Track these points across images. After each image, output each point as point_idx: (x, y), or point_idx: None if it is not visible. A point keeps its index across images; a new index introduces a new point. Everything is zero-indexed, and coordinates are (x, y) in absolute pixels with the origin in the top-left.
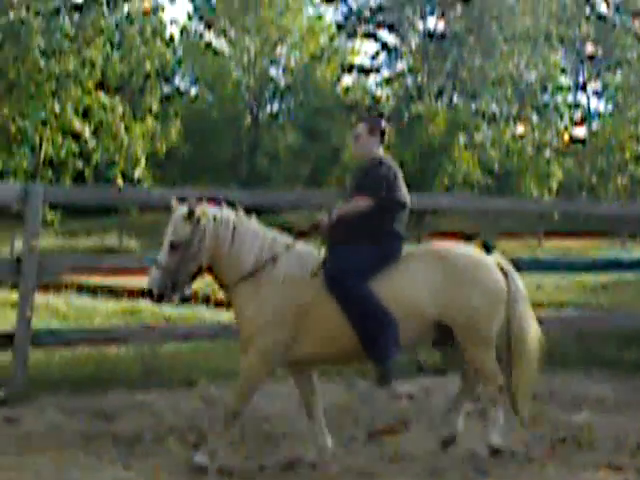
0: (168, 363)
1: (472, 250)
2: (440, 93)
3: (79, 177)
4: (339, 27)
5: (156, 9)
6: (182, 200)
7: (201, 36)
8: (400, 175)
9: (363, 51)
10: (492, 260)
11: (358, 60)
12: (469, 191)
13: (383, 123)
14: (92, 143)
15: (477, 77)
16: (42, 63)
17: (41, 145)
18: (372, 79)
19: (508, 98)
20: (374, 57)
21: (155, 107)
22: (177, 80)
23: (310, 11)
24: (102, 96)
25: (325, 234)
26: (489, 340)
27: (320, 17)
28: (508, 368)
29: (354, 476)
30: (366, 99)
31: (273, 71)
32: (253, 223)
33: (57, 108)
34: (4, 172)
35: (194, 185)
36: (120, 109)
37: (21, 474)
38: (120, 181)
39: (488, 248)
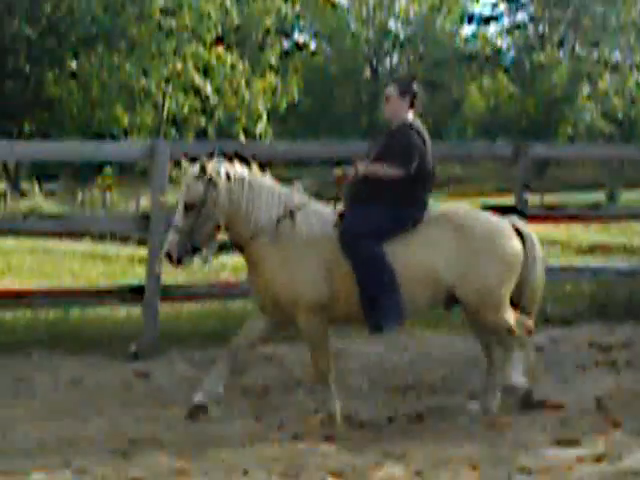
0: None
1: (489, 215)
2: (561, 42)
3: (202, 133)
4: None
5: None
6: (193, 160)
7: None
8: (429, 142)
9: (483, 1)
10: (508, 225)
11: (478, 10)
12: (592, 140)
13: (415, 86)
14: (214, 99)
15: (599, 25)
16: (162, 21)
17: (164, 102)
18: (492, 29)
19: (631, 45)
20: (494, 6)
21: (274, 62)
22: (296, 35)
23: None
24: (221, 52)
25: (348, 189)
26: (502, 303)
27: None
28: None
29: (490, 426)
30: (486, 49)
31: (392, 23)
32: (267, 179)
33: (178, 65)
34: (128, 129)
35: (315, 138)
36: (240, 65)
37: (154, 427)
38: (242, 136)
39: (522, 213)
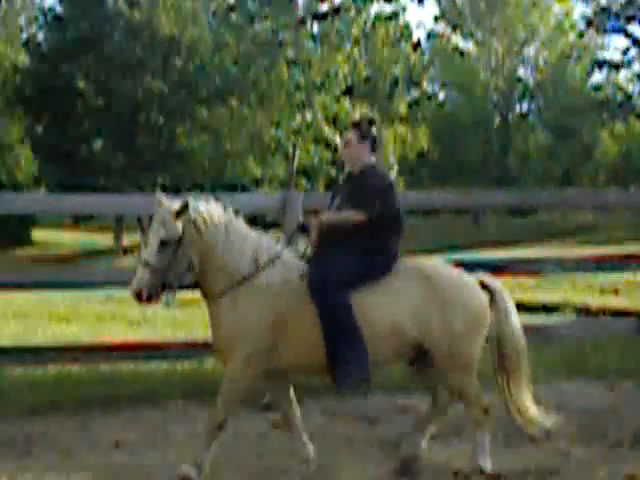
0: None
1: (456, 270)
2: None
3: (332, 184)
4: (588, 23)
5: (399, 12)
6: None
7: (448, 39)
8: (394, 185)
9: (613, 46)
10: (475, 281)
11: (608, 56)
12: None
13: (374, 129)
14: None
15: None
16: (290, 73)
17: (294, 153)
18: (623, 75)
19: None
20: (625, 52)
21: (403, 112)
22: (424, 84)
23: (557, 8)
24: (347, 103)
25: (313, 238)
26: (471, 365)
27: (568, 14)
28: (504, 386)
29: None
30: (618, 95)
31: (521, 71)
32: (241, 223)
33: (308, 117)
34: (260, 180)
35: (444, 187)
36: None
37: (288, 477)
38: None
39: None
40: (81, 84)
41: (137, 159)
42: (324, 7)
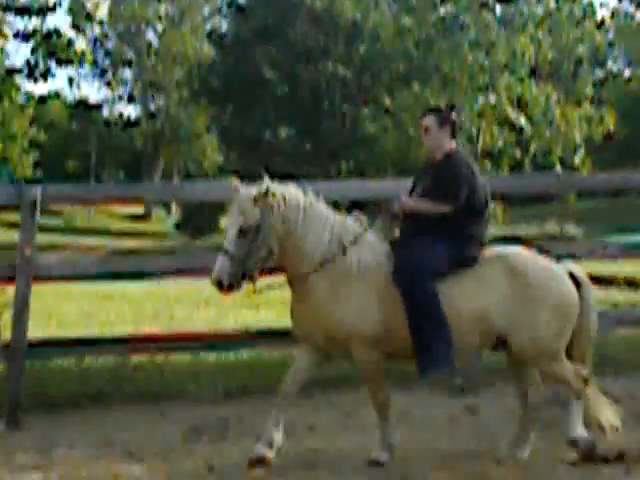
0: (621, 348)
1: (544, 261)
2: None
3: (517, 166)
4: None
5: None
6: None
7: (632, 17)
8: (477, 171)
9: None
10: (564, 272)
11: None
12: None
13: (454, 115)
14: (528, 131)
15: None
16: (473, 56)
17: (478, 136)
18: None
19: None
20: None
21: (589, 91)
22: (609, 63)
23: None
24: (533, 84)
25: (396, 222)
26: (558, 354)
27: None
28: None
29: None
30: None
31: None
32: (322, 206)
33: (492, 99)
34: None
35: (633, 168)
36: (554, 96)
37: (483, 463)
38: (558, 167)
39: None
40: (267, 73)
41: (321, 145)
42: None
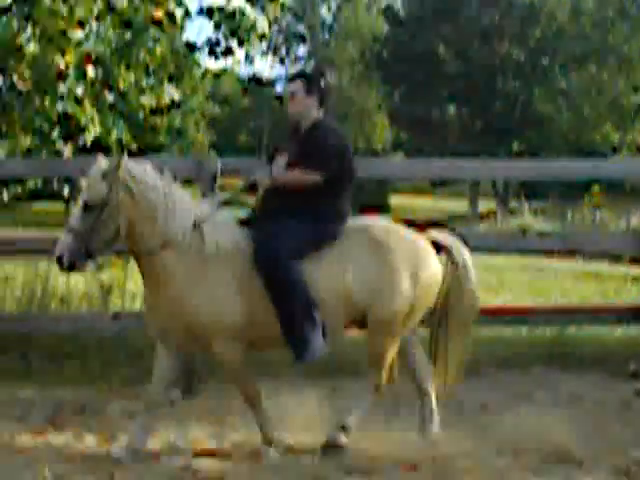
0: None
1: (406, 232)
2: None
3: None
4: None
5: None
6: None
7: None
8: (349, 143)
9: None
10: (428, 243)
11: None
12: None
13: (322, 82)
14: None
15: None
16: None
17: None
18: None
19: None
20: None
21: None
22: None
23: None
24: None
25: (259, 198)
26: (400, 333)
27: None
28: (440, 344)
29: None
30: None
31: None
32: (177, 187)
33: None
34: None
35: None
36: None
37: None
38: None
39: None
40: (441, 50)
41: (493, 125)
42: None
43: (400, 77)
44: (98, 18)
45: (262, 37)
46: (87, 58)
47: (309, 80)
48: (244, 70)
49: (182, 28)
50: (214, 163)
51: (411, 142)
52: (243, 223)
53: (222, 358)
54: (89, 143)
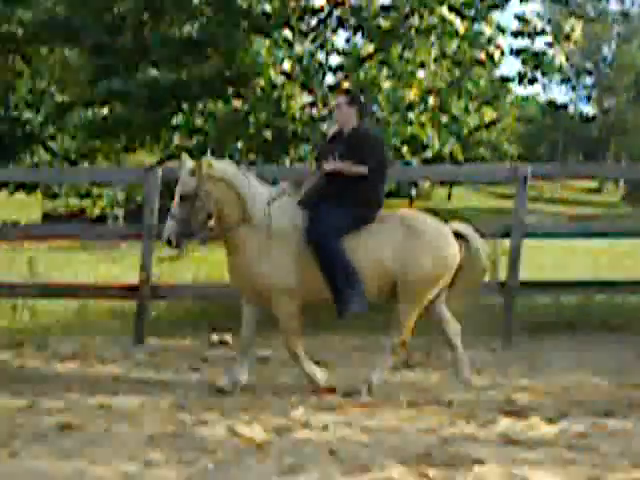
0: None
1: (434, 221)
2: None
3: None
4: None
5: None
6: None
7: None
8: (382, 143)
9: None
10: (449, 229)
11: None
12: None
13: (362, 97)
14: None
15: None
16: None
17: None
18: None
19: None
20: None
21: None
22: None
23: None
24: None
25: (313, 187)
26: (422, 301)
27: None
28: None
29: None
30: None
31: None
32: (252, 177)
33: None
34: None
35: None
36: None
37: None
38: None
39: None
40: None
41: None
42: None
43: None
44: (435, 60)
45: (559, 70)
46: (429, 92)
47: (351, 95)
48: (544, 96)
49: (498, 64)
50: (525, 169)
51: None
52: (300, 205)
53: (278, 311)
54: (431, 156)
